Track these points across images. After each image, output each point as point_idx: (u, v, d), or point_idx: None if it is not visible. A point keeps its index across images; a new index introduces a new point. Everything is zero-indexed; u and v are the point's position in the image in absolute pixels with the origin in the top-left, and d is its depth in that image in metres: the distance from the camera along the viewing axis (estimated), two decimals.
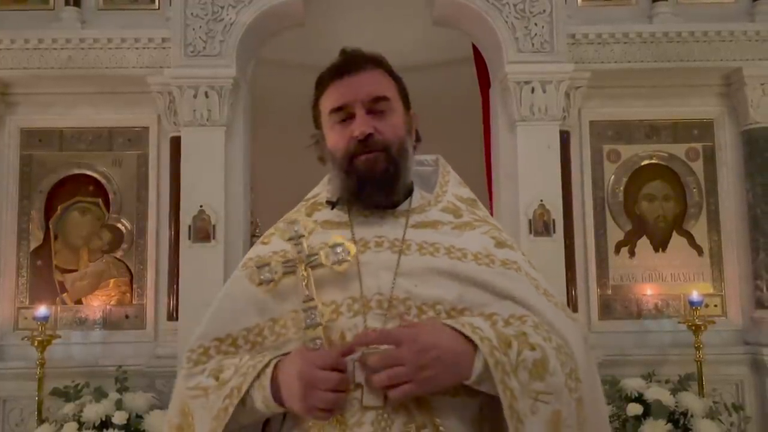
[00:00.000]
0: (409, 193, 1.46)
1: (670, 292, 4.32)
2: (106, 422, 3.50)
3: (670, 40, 4.18)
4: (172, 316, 4.01)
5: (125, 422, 3.49)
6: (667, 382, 3.81)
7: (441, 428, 1.21)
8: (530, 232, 3.96)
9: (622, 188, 4.40)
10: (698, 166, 4.43)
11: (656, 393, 3.63)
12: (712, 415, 3.65)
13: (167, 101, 4.11)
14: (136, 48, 4.10)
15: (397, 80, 1.46)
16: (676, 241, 4.37)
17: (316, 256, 1.30)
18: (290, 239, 1.33)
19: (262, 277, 1.31)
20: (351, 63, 1.41)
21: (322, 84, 1.44)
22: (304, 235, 1.33)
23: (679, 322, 4.04)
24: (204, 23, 4.00)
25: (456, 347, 1.19)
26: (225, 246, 3.94)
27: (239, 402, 1.24)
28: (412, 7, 5.01)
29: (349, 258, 1.29)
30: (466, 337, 1.20)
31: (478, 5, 4.06)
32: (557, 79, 4.01)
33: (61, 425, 3.52)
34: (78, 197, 4.29)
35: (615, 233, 4.36)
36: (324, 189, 1.52)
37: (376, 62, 1.44)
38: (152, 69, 4.08)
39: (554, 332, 1.28)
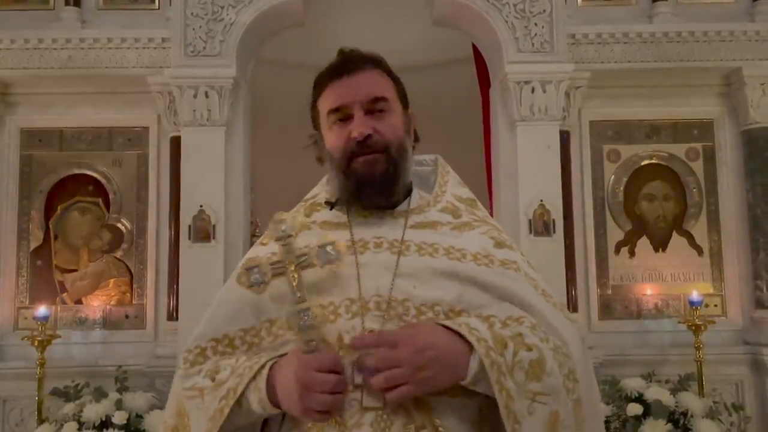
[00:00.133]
0: (408, 193, 1.46)
1: (670, 292, 4.32)
2: (106, 422, 3.50)
3: (670, 40, 4.18)
4: (172, 316, 4.01)
5: (125, 422, 3.50)
6: (667, 382, 3.81)
7: (440, 429, 1.20)
8: (530, 232, 3.96)
9: (622, 188, 4.40)
10: (698, 166, 4.43)
11: (656, 393, 3.63)
12: (712, 415, 3.65)
13: (167, 101, 4.11)
14: (136, 48, 4.10)
15: (395, 80, 1.45)
16: (676, 241, 4.37)
17: (305, 257, 1.28)
18: (278, 239, 1.31)
19: (252, 279, 1.29)
20: (349, 63, 1.40)
21: (320, 84, 1.43)
22: (291, 235, 1.30)
23: (679, 322, 4.04)
24: (204, 23, 4.00)
25: (453, 347, 1.19)
26: (225, 246, 3.94)
27: (235, 403, 1.24)
28: (412, 7, 5.01)
29: (339, 257, 1.27)
30: (463, 338, 1.20)
31: (478, 5, 4.06)
32: (557, 79, 4.01)
33: (61, 425, 3.52)
34: (78, 197, 4.29)
35: (615, 233, 4.36)
36: (323, 189, 1.51)
37: (374, 62, 1.43)
38: (152, 69, 4.08)
39: (553, 333, 1.28)
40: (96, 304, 4.21)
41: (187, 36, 3.99)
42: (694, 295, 3.96)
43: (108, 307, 4.21)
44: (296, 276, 1.26)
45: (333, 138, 1.39)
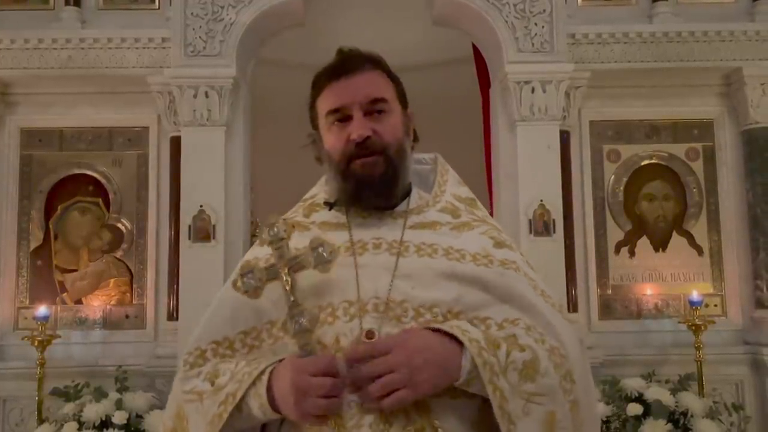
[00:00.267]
0: (407, 193, 1.45)
1: (670, 292, 4.32)
2: (106, 422, 3.50)
3: (670, 40, 4.18)
4: (172, 316, 4.01)
5: (125, 422, 3.50)
6: (667, 382, 3.81)
7: (440, 430, 1.20)
8: (530, 232, 3.96)
9: (622, 188, 4.40)
10: (698, 166, 4.43)
11: (656, 393, 3.62)
12: (712, 415, 3.65)
13: (167, 101, 4.11)
14: (136, 48, 4.10)
15: (394, 80, 1.44)
16: (676, 241, 4.37)
17: (298, 259, 1.26)
18: (270, 243, 1.28)
19: (247, 283, 1.28)
20: (348, 64, 1.39)
21: (318, 84, 1.42)
22: (284, 238, 1.28)
23: (679, 322, 4.04)
24: (204, 23, 4.00)
25: (445, 349, 1.20)
26: (225, 246, 3.94)
27: (235, 408, 1.24)
28: (412, 7, 5.01)
29: (332, 258, 1.26)
30: (455, 340, 1.20)
31: (478, 5, 4.06)
32: (557, 78, 4.01)
33: (61, 425, 3.52)
34: (78, 197, 4.29)
35: (615, 233, 4.36)
36: (321, 189, 1.51)
37: (374, 62, 1.42)
38: (152, 69, 4.08)
39: (551, 334, 1.28)
40: (96, 304, 4.21)
41: (187, 36, 3.99)
42: (694, 295, 3.96)
43: (108, 307, 4.21)
44: (289, 280, 1.25)
45: (332, 139, 1.39)
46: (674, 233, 4.38)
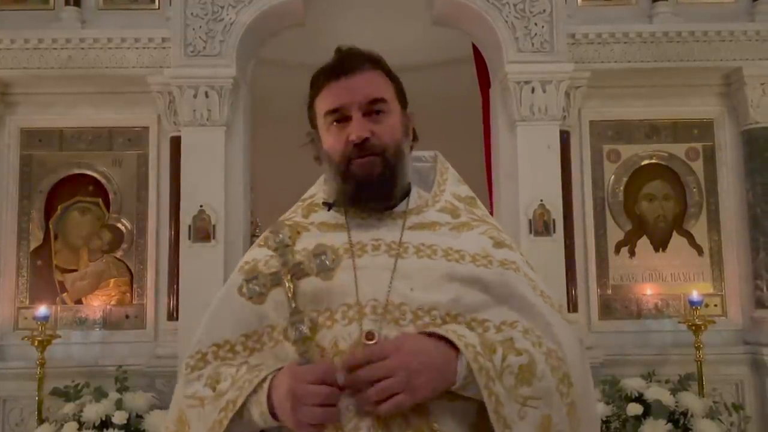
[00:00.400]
0: (406, 193, 1.44)
1: (670, 292, 4.31)
2: (106, 422, 3.50)
3: (670, 40, 4.18)
4: (172, 316, 4.01)
5: (125, 422, 3.50)
6: (667, 382, 3.81)
7: None
8: (530, 232, 3.96)
9: (622, 188, 4.40)
10: (698, 166, 4.43)
11: (656, 393, 3.63)
12: (712, 415, 3.65)
13: (167, 101, 4.11)
14: (136, 48, 4.10)
15: (393, 80, 1.43)
16: (676, 240, 4.37)
17: (301, 265, 1.25)
18: (276, 249, 1.27)
19: (251, 289, 1.26)
20: (347, 63, 1.38)
21: (317, 84, 1.41)
22: (289, 245, 1.27)
23: (679, 322, 4.04)
24: (204, 23, 4.00)
25: (441, 353, 1.19)
26: (225, 246, 3.94)
27: (236, 414, 1.24)
28: (412, 7, 5.01)
29: (335, 266, 1.25)
30: (451, 344, 1.20)
31: (478, 5, 4.06)
32: (557, 78, 4.01)
33: (61, 425, 3.52)
34: (78, 197, 4.29)
35: (615, 233, 4.36)
36: (320, 189, 1.50)
37: (373, 62, 1.40)
38: (152, 69, 4.08)
39: (548, 336, 1.27)
40: (96, 304, 4.21)
41: (187, 36, 3.99)
42: (694, 295, 3.96)
43: (108, 307, 4.21)
44: (291, 287, 1.24)
45: (330, 140, 1.38)
46: (674, 233, 4.38)
